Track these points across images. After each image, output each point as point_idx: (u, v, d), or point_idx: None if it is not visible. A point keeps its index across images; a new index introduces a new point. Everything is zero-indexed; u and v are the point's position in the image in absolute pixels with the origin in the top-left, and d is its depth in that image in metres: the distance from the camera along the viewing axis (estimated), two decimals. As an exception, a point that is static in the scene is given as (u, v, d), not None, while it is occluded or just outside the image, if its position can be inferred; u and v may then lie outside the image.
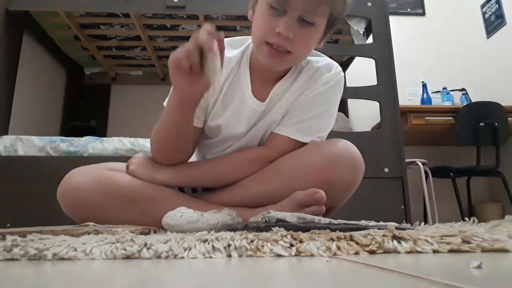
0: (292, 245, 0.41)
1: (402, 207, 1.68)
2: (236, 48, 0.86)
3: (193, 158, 0.93)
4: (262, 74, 0.84)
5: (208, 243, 0.42)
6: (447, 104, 2.72)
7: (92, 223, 0.67)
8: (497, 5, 2.87)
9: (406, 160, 1.81)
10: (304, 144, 0.84)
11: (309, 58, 0.87)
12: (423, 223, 0.85)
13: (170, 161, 0.84)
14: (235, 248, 0.41)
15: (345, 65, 2.84)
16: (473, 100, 2.69)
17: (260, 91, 0.84)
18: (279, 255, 0.40)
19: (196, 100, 0.76)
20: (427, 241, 0.41)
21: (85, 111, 2.91)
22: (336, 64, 0.89)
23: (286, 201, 0.77)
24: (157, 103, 0.90)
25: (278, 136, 0.85)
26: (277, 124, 0.87)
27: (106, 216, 0.76)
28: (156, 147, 0.84)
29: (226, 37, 0.92)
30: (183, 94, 0.73)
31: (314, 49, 0.83)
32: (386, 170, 1.72)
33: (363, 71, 2.34)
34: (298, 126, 0.84)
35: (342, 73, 0.88)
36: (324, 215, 0.73)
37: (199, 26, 2.36)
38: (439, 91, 2.82)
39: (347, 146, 0.80)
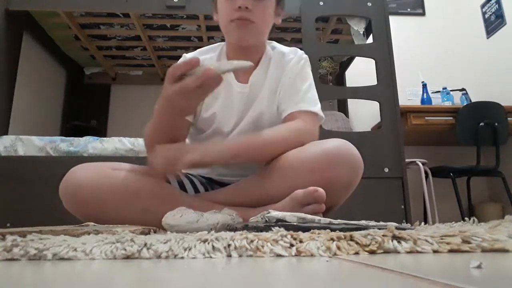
0: (292, 245, 0.41)
1: (402, 207, 1.68)
2: (214, 51, 0.98)
3: None
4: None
5: (208, 243, 0.42)
6: (447, 104, 2.72)
7: (92, 223, 0.67)
8: (497, 5, 2.87)
9: (406, 160, 1.81)
10: (313, 114, 0.90)
11: (274, 45, 1.00)
12: (423, 223, 0.85)
13: None
14: (235, 248, 0.41)
15: (345, 65, 2.84)
16: (473, 100, 2.69)
17: (241, 78, 0.94)
18: (279, 255, 0.40)
19: (189, 113, 0.83)
20: (427, 241, 0.41)
21: (85, 111, 2.91)
22: (296, 48, 1.01)
23: (286, 200, 0.77)
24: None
25: (294, 114, 0.90)
26: (279, 113, 0.92)
27: (108, 212, 0.77)
28: (151, 148, 0.84)
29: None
30: (176, 108, 0.76)
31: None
32: (386, 170, 1.72)
33: (363, 71, 2.34)
34: (302, 101, 0.91)
35: (305, 54, 1.00)
36: (324, 214, 0.74)
37: (199, 26, 2.36)
38: (439, 91, 2.82)
39: (347, 146, 0.81)
